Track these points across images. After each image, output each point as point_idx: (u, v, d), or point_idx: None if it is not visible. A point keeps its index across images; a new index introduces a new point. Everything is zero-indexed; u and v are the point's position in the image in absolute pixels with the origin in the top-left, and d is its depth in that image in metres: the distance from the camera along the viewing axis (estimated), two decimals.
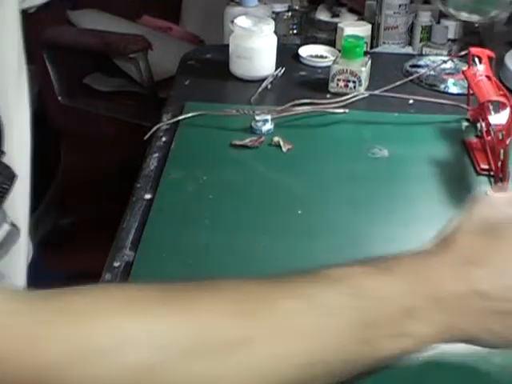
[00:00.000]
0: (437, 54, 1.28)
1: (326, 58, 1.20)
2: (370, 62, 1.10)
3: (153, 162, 0.92)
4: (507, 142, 0.81)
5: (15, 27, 0.66)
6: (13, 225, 0.63)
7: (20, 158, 0.69)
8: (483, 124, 0.92)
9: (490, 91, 0.89)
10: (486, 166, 0.89)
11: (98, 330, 0.42)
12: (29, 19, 0.66)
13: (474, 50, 0.97)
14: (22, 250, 0.73)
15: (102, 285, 0.47)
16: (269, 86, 1.11)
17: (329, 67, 1.10)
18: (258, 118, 0.97)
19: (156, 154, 0.94)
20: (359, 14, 1.42)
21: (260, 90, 1.09)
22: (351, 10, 1.44)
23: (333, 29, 1.34)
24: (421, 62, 1.20)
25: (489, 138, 0.89)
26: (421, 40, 1.37)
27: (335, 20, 1.38)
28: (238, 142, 0.94)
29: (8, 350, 0.40)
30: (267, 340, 0.45)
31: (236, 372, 0.44)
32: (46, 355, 0.41)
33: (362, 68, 1.08)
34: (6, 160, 0.61)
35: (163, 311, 0.44)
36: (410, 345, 0.48)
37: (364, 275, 0.49)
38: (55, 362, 0.41)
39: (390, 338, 0.48)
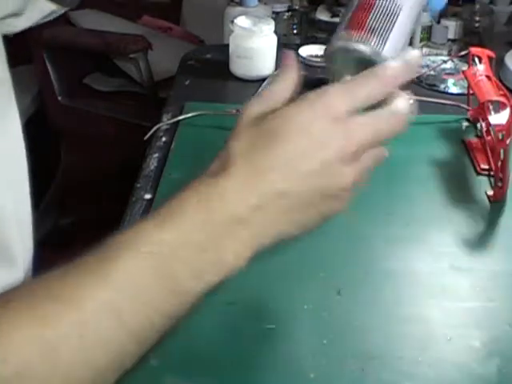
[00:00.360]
0: (437, 54, 1.28)
1: None
2: None
3: (153, 162, 0.92)
4: (507, 141, 0.81)
5: None
6: None
7: (14, 171, 0.69)
8: (483, 124, 0.92)
9: (490, 91, 0.89)
10: (486, 166, 0.89)
11: None
12: None
13: (474, 49, 0.97)
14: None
15: None
16: (269, 86, 1.11)
17: None
18: None
19: (156, 154, 0.94)
20: None
21: (260, 89, 1.09)
22: None
23: (333, 29, 1.33)
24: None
25: (489, 137, 0.89)
26: (421, 40, 1.37)
27: (335, 20, 1.38)
28: None
29: None
30: (76, 339, 0.44)
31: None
32: None
33: None
34: None
35: None
36: (217, 275, 0.49)
37: (150, 230, 0.49)
38: None
39: (195, 278, 0.48)
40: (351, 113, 0.54)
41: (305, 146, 0.52)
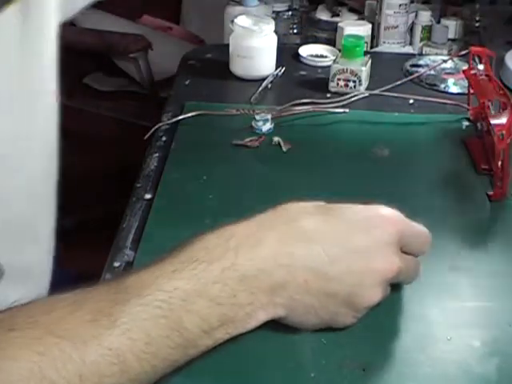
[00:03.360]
0: (437, 54, 1.28)
1: (326, 57, 1.20)
2: (370, 61, 1.10)
3: (153, 161, 0.92)
4: (507, 141, 0.81)
5: (53, 45, 0.67)
6: None
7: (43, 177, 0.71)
8: (483, 124, 0.92)
9: (490, 91, 0.89)
10: (486, 166, 0.89)
11: None
12: None
13: (474, 49, 0.97)
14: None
15: None
16: (269, 86, 1.11)
17: (329, 67, 1.10)
18: (258, 117, 0.97)
19: (156, 154, 0.94)
20: (359, 13, 1.42)
21: (260, 89, 1.09)
22: (351, 10, 1.44)
23: (333, 28, 1.34)
24: (421, 62, 1.20)
25: (489, 137, 0.89)
26: (421, 40, 1.37)
27: (335, 19, 1.38)
28: (238, 142, 0.94)
29: None
30: (74, 375, 0.43)
31: None
32: None
33: (362, 68, 1.08)
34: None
35: None
36: (227, 332, 0.48)
37: (167, 275, 0.47)
38: None
39: (204, 333, 0.47)
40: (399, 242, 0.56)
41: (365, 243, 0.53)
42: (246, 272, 0.48)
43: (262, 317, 0.50)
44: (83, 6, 0.78)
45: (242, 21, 1.13)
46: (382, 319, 0.65)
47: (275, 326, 0.57)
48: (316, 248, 0.51)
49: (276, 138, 0.95)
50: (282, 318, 0.52)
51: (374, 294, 0.55)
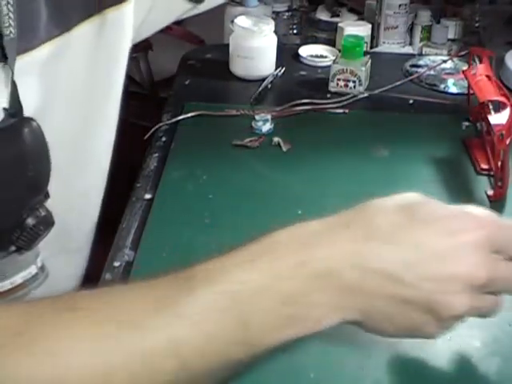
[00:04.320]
0: (437, 54, 1.28)
1: (326, 57, 1.20)
2: (369, 61, 1.10)
3: (153, 161, 0.92)
4: (507, 141, 0.81)
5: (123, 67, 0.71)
6: (41, 268, 0.64)
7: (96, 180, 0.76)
8: (483, 124, 0.92)
9: (490, 91, 0.89)
10: (486, 166, 0.89)
11: None
12: None
13: (474, 49, 0.97)
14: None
15: None
16: (269, 86, 1.11)
17: (329, 67, 1.10)
18: (258, 117, 0.97)
19: (156, 154, 0.94)
20: (359, 13, 1.42)
21: (260, 89, 1.09)
22: (351, 10, 1.44)
23: (333, 29, 1.34)
24: (421, 62, 1.20)
25: (489, 137, 0.89)
26: (421, 40, 1.37)
27: (335, 20, 1.38)
28: (238, 142, 0.94)
29: None
30: (133, 365, 0.42)
31: None
32: None
33: (362, 68, 1.08)
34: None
35: (18, 347, 0.41)
36: (294, 334, 0.46)
37: (239, 266, 0.45)
38: None
39: (269, 332, 0.45)
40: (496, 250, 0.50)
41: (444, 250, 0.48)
42: (318, 270, 0.45)
43: (333, 319, 0.46)
44: (160, 27, 0.81)
45: (242, 21, 1.13)
46: None
47: None
48: (391, 250, 0.47)
49: (276, 139, 0.95)
50: (356, 322, 0.48)
51: (457, 303, 0.48)
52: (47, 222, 0.62)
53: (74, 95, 0.67)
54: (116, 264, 0.73)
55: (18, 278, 0.63)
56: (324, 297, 0.45)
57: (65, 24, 0.63)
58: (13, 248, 0.61)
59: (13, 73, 0.58)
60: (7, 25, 0.56)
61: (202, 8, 0.80)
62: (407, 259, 0.47)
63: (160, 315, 0.43)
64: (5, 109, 0.58)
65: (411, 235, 0.48)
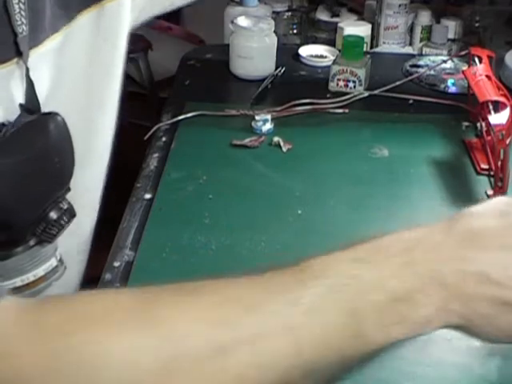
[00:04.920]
0: (437, 54, 1.28)
1: (325, 57, 1.20)
2: (370, 61, 1.10)
3: (153, 161, 0.92)
4: (507, 141, 0.81)
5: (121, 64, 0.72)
6: (60, 260, 0.65)
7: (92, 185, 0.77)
8: (483, 124, 0.92)
9: (490, 91, 0.89)
10: (486, 166, 0.89)
11: (72, 344, 0.42)
12: None
13: (474, 49, 0.97)
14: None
15: (83, 295, 0.47)
16: (269, 86, 1.11)
17: (329, 67, 1.10)
18: (257, 117, 0.97)
19: (156, 154, 0.94)
20: (359, 13, 1.42)
21: (260, 89, 1.09)
22: (351, 10, 1.44)
23: (333, 29, 1.34)
24: (421, 62, 1.20)
25: (489, 137, 0.89)
26: (421, 40, 1.37)
27: (335, 20, 1.38)
28: (237, 142, 0.94)
29: None
30: (249, 347, 0.43)
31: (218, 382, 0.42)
32: (19, 371, 0.41)
33: (362, 68, 1.08)
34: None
35: (139, 325, 0.43)
36: (401, 332, 0.46)
37: (349, 262, 0.46)
38: (28, 377, 0.41)
39: (381, 327, 0.45)
40: None
41: None
42: (423, 272, 0.46)
43: (437, 322, 0.47)
44: (158, 12, 0.82)
45: (242, 21, 1.13)
46: None
47: None
48: (491, 254, 0.48)
49: (276, 138, 0.95)
50: (459, 327, 0.48)
51: None
52: (70, 214, 0.63)
53: (76, 86, 0.68)
54: (116, 264, 0.73)
55: (41, 271, 0.64)
56: (429, 298, 0.46)
57: (67, 16, 0.64)
58: (36, 241, 0.62)
59: (28, 69, 0.58)
60: (20, 23, 0.57)
61: None
62: (507, 262, 0.48)
63: (277, 302, 0.44)
64: (21, 105, 0.58)
65: (510, 239, 0.49)
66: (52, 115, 0.60)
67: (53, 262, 0.65)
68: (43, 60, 0.62)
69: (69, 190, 0.64)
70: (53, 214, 0.61)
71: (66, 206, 0.63)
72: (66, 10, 0.64)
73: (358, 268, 0.46)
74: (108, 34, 0.70)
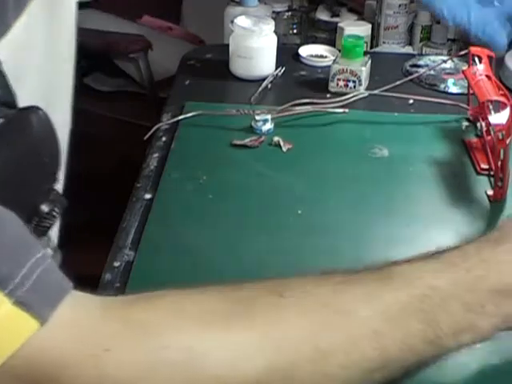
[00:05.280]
0: (437, 54, 1.28)
1: (325, 57, 1.20)
2: (369, 61, 1.10)
3: (153, 161, 0.92)
4: (507, 141, 0.81)
5: (72, 22, 0.71)
6: (55, 248, 0.64)
7: None
8: (483, 124, 0.92)
9: (490, 91, 0.89)
10: (486, 166, 0.89)
11: (167, 343, 0.42)
12: None
13: (474, 49, 0.97)
14: None
15: (173, 294, 0.48)
16: (269, 86, 1.11)
17: (329, 67, 1.10)
18: (258, 117, 0.97)
19: (156, 154, 0.94)
20: (359, 13, 1.42)
21: (260, 89, 1.09)
22: (351, 10, 1.43)
23: (333, 28, 1.34)
24: (421, 62, 1.20)
25: (489, 137, 0.89)
26: (421, 40, 1.37)
27: (335, 20, 1.38)
28: (238, 142, 0.94)
29: (72, 361, 0.41)
30: (342, 351, 0.46)
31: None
32: (109, 368, 0.41)
33: (362, 68, 1.08)
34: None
35: (234, 325, 0.44)
36: (470, 339, 0.50)
37: (430, 273, 0.50)
38: (119, 376, 0.41)
39: (454, 335, 0.49)
40: None
41: None
42: (494, 285, 0.51)
43: (503, 328, 0.52)
44: None
45: (242, 21, 1.13)
46: None
47: None
48: None
49: (276, 138, 0.95)
50: None
51: None
52: (61, 204, 0.63)
53: (34, 79, 0.67)
54: (116, 264, 0.73)
55: None
56: (496, 309, 0.51)
57: (21, 5, 0.63)
58: None
59: (0, 63, 0.58)
60: None
61: None
62: None
63: (367, 307, 0.47)
64: None
65: None
66: (34, 110, 0.59)
67: (48, 253, 0.64)
68: (6, 52, 0.61)
69: (57, 180, 0.63)
70: (44, 207, 0.60)
71: (56, 197, 0.62)
72: None
73: (438, 279, 0.50)
74: (59, 23, 0.69)
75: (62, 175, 0.64)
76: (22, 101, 0.60)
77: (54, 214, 0.61)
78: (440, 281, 0.49)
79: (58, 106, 0.73)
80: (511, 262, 0.51)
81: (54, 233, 0.66)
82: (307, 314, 0.46)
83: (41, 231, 0.61)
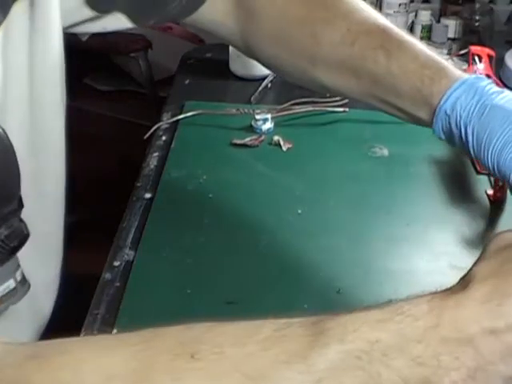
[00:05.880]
0: (437, 53, 1.28)
1: None
2: None
3: (153, 161, 0.92)
4: None
5: (59, 59, 0.68)
6: (20, 281, 0.62)
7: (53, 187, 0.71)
8: None
9: None
10: None
11: None
12: None
13: (474, 48, 0.97)
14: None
15: (76, 351, 0.44)
16: (269, 85, 1.11)
17: None
18: (258, 117, 0.97)
19: (156, 153, 0.94)
20: None
21: (260, 89, 1.09)
22: None
23: None
24: None
25: None
26: (421, 39, 1.37)
27: None
28: (238, 141, 0.94)
29: None
30: None
31: None
32: None
33: None
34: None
35: None
36: None
37: (369, 324, 0.43)
38: None
39: None
40: None
41: None
42: (448, 334, 0.43)
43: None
44: (78, 20, 0.77)
45: None
46: None
47: None
48: None
49: (276, 138, 0.95)
50: None
51: None
52: (21, 233, 0.59)
53: (18, 82, 0.64)
54: (116, 264, 0.73)
55: None
56: (456, 362, 0.42)
57: (4, 9, 0.59)
58: None
59: None
60: None
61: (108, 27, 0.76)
62: None
63: (290, 369, 0.41)
64: None
65: None
66: None
67: (11, 284, 0.61)
68: None
69: (21, 206, 0.59)
70: (1, 232, 0.57)
71: (15, 224, 0.58)
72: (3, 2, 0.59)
73: (379, 330, 0.42)
74: (41, 22, 0.65)
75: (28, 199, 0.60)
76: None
77: (12, 241, 0.58)
78: (381, 333, 0.42)
79: (45, 127, 0.71)
80: (469, 306, 0.43)
81: (33, 251, 0.63)
82: (218, 380, 0.40)
83: (5, 253, 0.58)
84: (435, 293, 0.45)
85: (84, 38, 0.74)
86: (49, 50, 0.67)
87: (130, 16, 0.71)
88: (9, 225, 0.57)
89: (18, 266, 0.61)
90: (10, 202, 0.58)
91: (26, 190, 0.60)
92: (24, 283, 0.62)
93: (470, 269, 0.47)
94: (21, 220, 0.59)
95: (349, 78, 0.65)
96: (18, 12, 0.61)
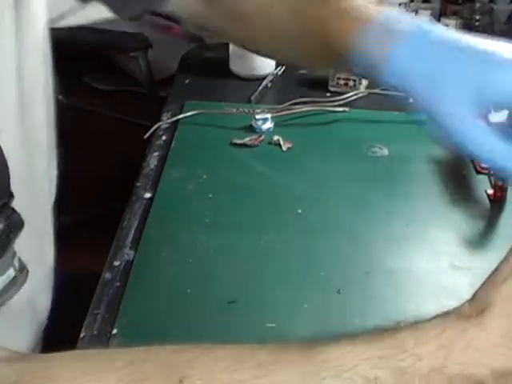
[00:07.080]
0: None
1: None
2: None
3: (153, 160, 0.92)
4: None
5: (43, 53, 0.68)
6: (19, 269, 0.62)
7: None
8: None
9: None
10: (486, 166, 0.89)
11: None
12: None
13: None
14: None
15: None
16: (269, 85, 1.11)
17: None
18: (258, 116, 0.97)
19: (156, 153, 0.94)
20: None
21: (260, 88, 1.09)
22: None
23: None
24: None
25: None
26: None
27: None
28: (238, 141, 0.94)
29: None
30: None
31: None
32: None
33: None
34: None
35: None
36: None
37: (368, 361, 0.40)
38: None
39: None
40: None
41: None
42: (456, 377, 0.40)
43: None
44: (62, 11, 0.77)
45: None
46: (382, 318, 0.65)
47: (276, 324, 0.56)
48: None
49: (276, 137, 0.95)
50: None
51: None
52: (16, 222, 0.59)
53: (5, 78, 0.63)
54: (116, 263, 0.73)
55: None
56: None
57: None
58: None
59: None
60: None
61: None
62: None
63: None
64: None
65: None
66: None
67: (11, 273, 0.61)
68: None
69: (12, 196, 0.59)
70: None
71: (10, 214, 0.59)
72: None
73: (378, 368, 0.40)
74: (26, 15, 0.64)
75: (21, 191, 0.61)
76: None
77: (10, 232, 0.59)
78: (383, 370, 0.40)
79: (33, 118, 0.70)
80: (481, 347, 0.40)
81: (26, 245, 0.64)
82: None
83: (4, 244, 0.58)
84: (446, 319, 0.42)
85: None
86: (36, 46, 0.67)
87: (111, 5, 0.71)
88: (4, 216, 0.58)
89: (15, 253, 0.61)
90: (2, 196, 0.59)
91: (16, 186, 0.60)
92: (22, 270, 0.62)
93: (483, 286, 0.45)
94: (13, 210, 0.59)
95: None
96: (4, 5, 0.61)
